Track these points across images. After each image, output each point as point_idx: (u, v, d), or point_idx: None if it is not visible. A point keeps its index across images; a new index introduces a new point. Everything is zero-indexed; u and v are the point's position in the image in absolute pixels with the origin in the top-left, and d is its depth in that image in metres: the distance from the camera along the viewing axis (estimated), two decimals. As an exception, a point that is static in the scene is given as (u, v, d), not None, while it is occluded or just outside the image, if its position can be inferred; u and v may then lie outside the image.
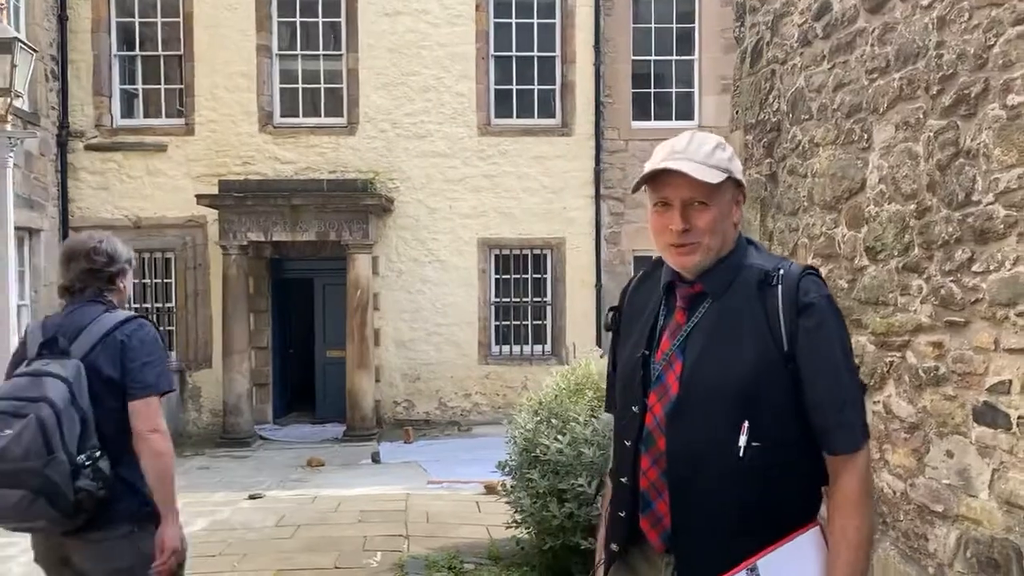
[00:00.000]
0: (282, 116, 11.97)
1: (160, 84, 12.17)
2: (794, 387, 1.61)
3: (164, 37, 12.07)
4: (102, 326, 2.50)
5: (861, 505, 1.61)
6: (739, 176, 1.71)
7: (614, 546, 1.75)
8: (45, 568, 2.62)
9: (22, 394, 2.36)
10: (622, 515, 1.72)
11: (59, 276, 2.69)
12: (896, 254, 3.45)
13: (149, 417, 2.48)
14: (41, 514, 2.32)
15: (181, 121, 11.89)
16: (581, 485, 4.10)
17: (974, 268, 2.97)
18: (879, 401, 3.57)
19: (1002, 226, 2.83)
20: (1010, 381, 2.80)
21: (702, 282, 1.70)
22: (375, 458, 9.53)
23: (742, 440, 1.58)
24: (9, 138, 7.63)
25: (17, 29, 9.59)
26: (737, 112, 5.10)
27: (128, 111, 12.22)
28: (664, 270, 1.78)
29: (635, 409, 1.70)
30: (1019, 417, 2.76)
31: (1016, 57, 2.77)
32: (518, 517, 4.73)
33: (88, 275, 2.60)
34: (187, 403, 11.77)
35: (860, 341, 3.71)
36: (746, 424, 1.58)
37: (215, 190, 11.19)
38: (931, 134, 3.22)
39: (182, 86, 11.94)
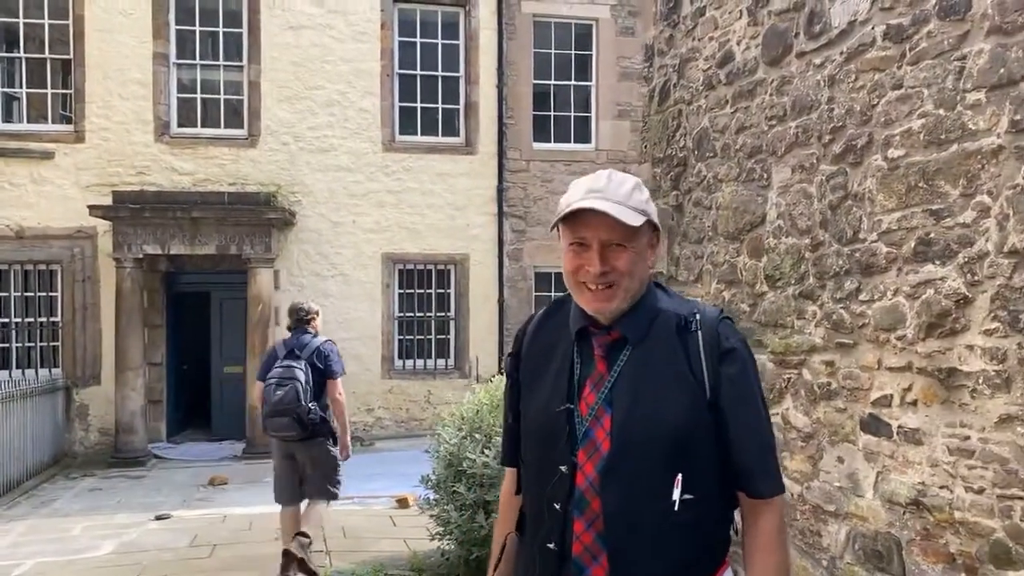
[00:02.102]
0: (179, 126, 11.68)
1: (47, 88, 11.63)
2: (716, 434, 1.58)
3: (52, 40, 11.56)
4: (315, 344, 5.20)
5: (782, 542, 1.63)
6: (655, 219, 1.65)
7: None
8: (281, 462, 5.25)
9: (284, 375, 5.01)
10: None
11: (288, 318, 5.46)
12: (793, 282, 3.87)
13: (337, 387, 5.22)
14: (293, 429, 4.98)
15: (70, 128, 11.39)
16: (508, 496, 4.32)
17: (861, 297, 3.41)
18: (778, 413, 3.98)
19: (884, 261, 3.28)
20: (891, 395, 3.25)
21: (620, 328, 1.62)
22: (280, 475, 9.42)
23: (676, 494, 1.52)
24: None
25: None
26: (646, 146, 5.49)
27: (9, 115, 11.62)
28: (573, 314, 1.67)
29: (563, 469, 1.58)
30: (899, 427, 3.20)
31: (895, 116, 3.23)
32: (442, 529, 4.91)
33: (299, 320, 5.32)
34: (73, 422, 11.23)
35: (761, 359, 4.12)
36: (680, 477, 1.52)
37: (107, 200, 10.81)
38: (823, 178, 3.67)
39: (71, 91, 11.46)
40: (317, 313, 5.38)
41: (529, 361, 1.74)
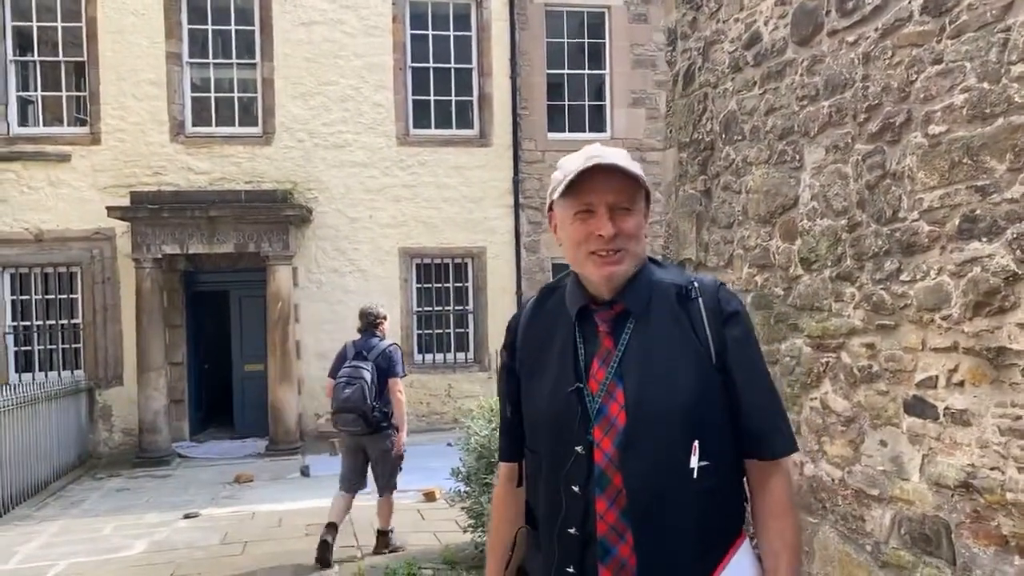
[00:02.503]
0: (194, 125, 11.71)
1: (61, 91, 11.67)
2: (725, 398, 1.59)
3: (65, 42, 11.59)
4: (381, 346, 5.79)
5: (792, 506, 1.65)
6: (649, 188, 1.66)
7: None
8: (349, 453, 5.85)
9: (352, 375, 5.55)
10: (571, 570, 1.56)
11: (359, 323, 5.98)
12: (830, 264, 3.81)
13: (398, 385, 5.81)
14: (358, 424, 5.55)
15: (85, 130, 11.45)
16: (542, 487, 4.30)
17: (902, 277, 3.34)
18: (816, 398, 3.93)
19: (927, 240, 3.21)
20: (937, 376, 3.18)
21: (623, 301, 1.62)
22: (305, 472, 9.45)
23: (694, 461, 1.52)
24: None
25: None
26: (671, 131, 5.43)
27: (24, 118, 11.67)
28: (570, 295, 1.67)
29: (579, 449, 1.55)
30: (946, 408, 3.14)
31: (936, 92, 3.16)
32: (474, 521, 4.90)
33: (368, 324, 5.88)
34: (97, 423, 11.32)
35: (796, 343, 4.07)
36: (696, 444, 1.52)
37: (124, 201, 10.86)
38: (859, 157, 3.60)
39: (86, 93, 11.50)
40: (385, 318, 6.05)
41: (526, 350, 1.72)
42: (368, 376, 5.54)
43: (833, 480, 3.80)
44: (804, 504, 4.01)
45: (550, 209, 1.70)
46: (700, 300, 1.61)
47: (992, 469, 2.93)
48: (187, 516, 7.12)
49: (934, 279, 3.18)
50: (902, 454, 3.37)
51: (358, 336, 5.89)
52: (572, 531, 1.55)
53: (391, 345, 5.85)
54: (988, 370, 2.95)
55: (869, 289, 3.55)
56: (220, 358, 12.45)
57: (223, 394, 12.46)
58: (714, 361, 1.58)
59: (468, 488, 4.92)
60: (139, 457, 10.54)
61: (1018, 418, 2.83)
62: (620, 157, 1.60)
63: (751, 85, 4.47)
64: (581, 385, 1.58)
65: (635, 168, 1.60)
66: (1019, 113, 2.78)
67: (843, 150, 3.71)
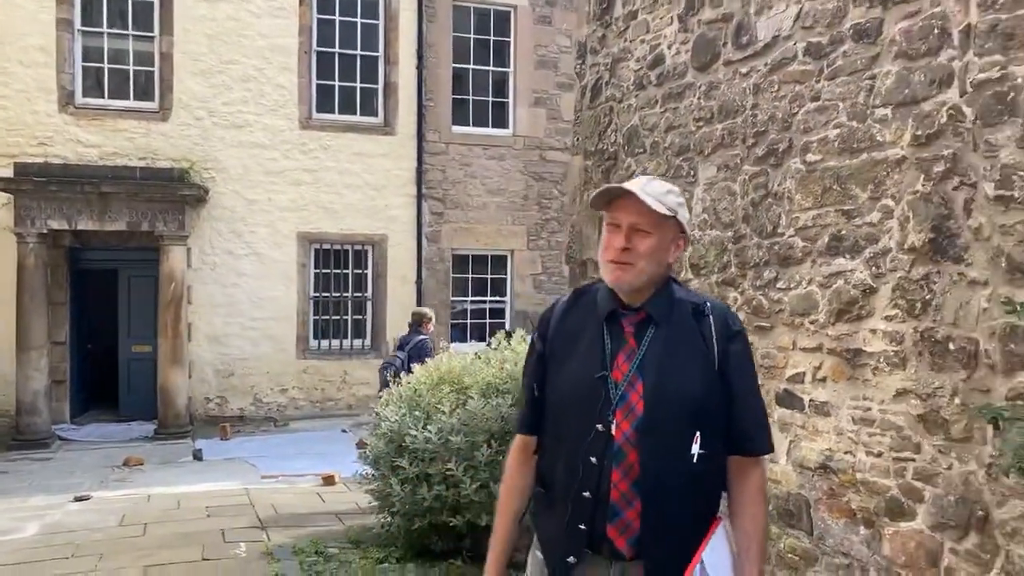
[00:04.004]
0: (85, 96, 11.23)
1: (-64, 52, 10.94)
2: (722, 401, 1.87)
3: (-59, -1, 10.87)
4: (416, 340, 7.65)
5: (765, 496, 1.98)
6: (684, 221, 1.93)
7: (572, 559, 1.86)
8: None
9: (388, 361, 7.72)
10: (582, 527, 1.84)
11: (409, 318, 8.40)
12: (716, 271, 4.25)
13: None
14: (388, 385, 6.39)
15: (-36, 95, 10.78)
16: (451, 469, 4.57)
17: (778, 285, 3.81)
18: (701, 389, 4.37)
19: (800, 254, 3.68)
20: (804, 373, 3.66)
21: (648, 310, 1.91)
22: (197, 455, 9.34)
23: (694, 448, 1.81)
24: None
25: None
26: (578, 140, 5.78)
27: None
28: (601, 300, 1.97)
29: (600, 427, 1.84)
30: (810, 400, 3.63)
31: (813, 125, 3.62)
32: (380, 503, 5.11)
33: (415, 321, 7.98)
34: (-33, 404, 10.74)
35: (685, 340, 4.50)
36: (698, 435, 1.82)
37: (7, 172, 10.31)
38: (746, 177, 4.04)
39: (-36, 56, 10.83)
40: (431, 319, 7.91)
41: (558, 340, 2.00)
42: (399, 363, 7.17)
43: (713, 463, 4.25)
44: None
45: None
46: (711, 317, 1.92)
47: (846, 453, 3.43)
48: (78, 499, 6.95)
49: (805, 288, 3.66)
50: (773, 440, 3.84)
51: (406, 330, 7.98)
52: (586, 494, 1.84)
53: (422, 339, 7.59)
54: (846, 368, 3.44)
55: (750, 294, 4.00)
56: (106, 339, 12.02)
57: (107, 375, 12.03)
58: (717, 368, 1.88)
59: (376, 471, 5.12)
60: (15, 440, 10.08)
61: (868, 409, 3.33)
62: (650, 192, 1.87)
63: (653, 103, 4.87)
64: (607, 373, 1.86)
65: (665, 203, 1.86)
66: (879, 150, 3.27)
67: (732, 170, 4.15)
